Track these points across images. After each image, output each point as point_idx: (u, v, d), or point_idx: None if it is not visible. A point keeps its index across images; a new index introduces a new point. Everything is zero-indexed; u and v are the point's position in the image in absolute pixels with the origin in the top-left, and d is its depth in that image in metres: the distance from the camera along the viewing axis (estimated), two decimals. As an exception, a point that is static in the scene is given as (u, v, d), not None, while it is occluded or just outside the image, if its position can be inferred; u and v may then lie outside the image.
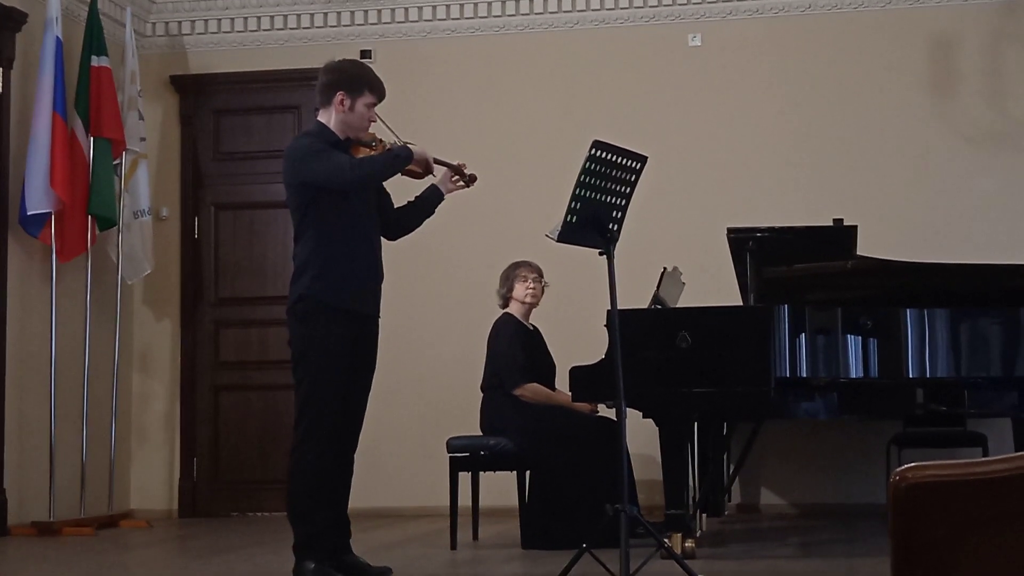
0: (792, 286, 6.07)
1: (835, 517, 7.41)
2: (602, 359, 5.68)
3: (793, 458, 7.82)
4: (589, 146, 4.68)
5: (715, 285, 6.89)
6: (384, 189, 5.33)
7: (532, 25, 8.36)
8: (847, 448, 7.72)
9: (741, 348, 5.51)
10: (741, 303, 6.25)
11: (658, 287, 6.12)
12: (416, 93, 8.22)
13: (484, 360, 6.60)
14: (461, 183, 5.36)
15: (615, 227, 4.81)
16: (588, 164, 4.66)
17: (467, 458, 6.45)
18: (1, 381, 7.27)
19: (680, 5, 8.17)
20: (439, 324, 8.17)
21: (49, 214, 7.37)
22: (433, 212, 5.39)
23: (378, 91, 5.20)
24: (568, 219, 4.67)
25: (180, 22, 8.71)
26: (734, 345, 5.52)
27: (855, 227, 6.14)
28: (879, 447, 7.20)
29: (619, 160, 4.77)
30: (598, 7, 8.26)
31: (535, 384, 6.49)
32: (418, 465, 7.98)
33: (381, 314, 5.28)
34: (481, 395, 6.59)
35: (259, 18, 8.61)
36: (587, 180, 4.67)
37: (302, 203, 5.10)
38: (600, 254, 4.79)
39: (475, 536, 6.62)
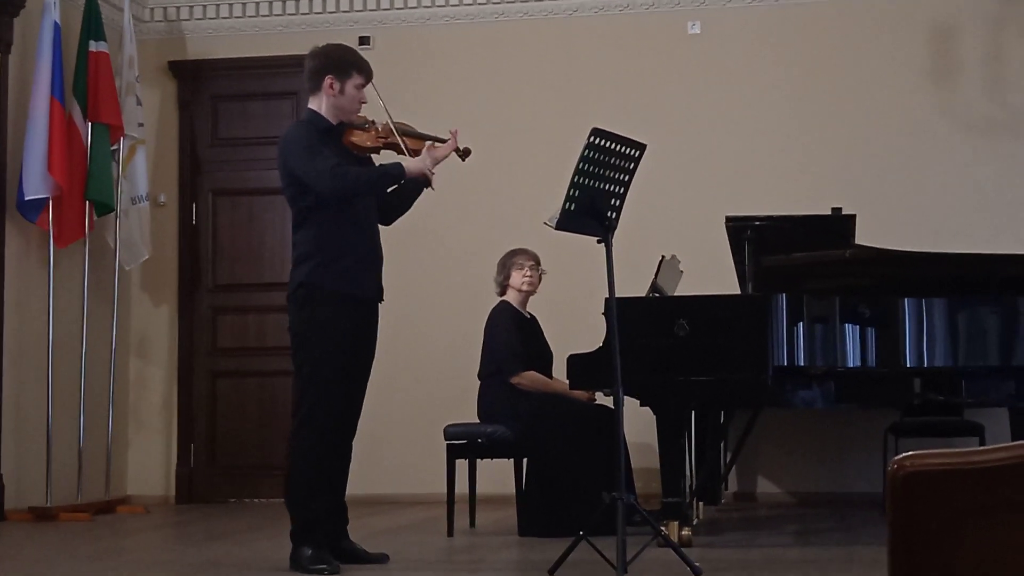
0: (790, 275, 6.07)
1: (832, 506, 7.42)
2: (600, 347, 5.68)
3: (790, 447, 7.82)
4: (588, 134, 4.67)
5: (713, 273, 6.89)
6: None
7: (531, 12, 8.34)
8: (844, 437, 7.72)
9: (739, 336, 5.51)
10: (739, 291, 6.25)
11: (656, 275, 6.12)
12: (415, 80, 8.20)
13: (481, 348, 6.60)
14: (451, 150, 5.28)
15: (614, 215, 4.81)
16: (587, 152, 4.66)
17: (464, 445, 6.45)
18: (-2, 366, 7.28)
19: (680, -7, 8.16)
20: (437, 311, 8.17)
21: (47, 199, 7.37)
22: (420, 191, 5.35)
23: (366, 72, 5.20)
24: (567, 207, 4.67)
25: (178, 7, 8.69)
26: (732, 333, 5.51)
27: (853, 216, 6.14)
28: (876, 436, 7.20)
29: (618, 148, 4.77)
30: (597, -6, 8.25)
31: (532, 372, 6.49)
32: (415, 452, 7.99)
33: (382, 300, 5.29)
34: (478, 383, 6.59)
35: (257, 4, 8.60)
36: (586, 168, 4.67)
37: (297, 191, 5.10)
38: (598, 242, 4.79)
39: (472, 523, 6.63)
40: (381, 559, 5.26)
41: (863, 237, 6.19)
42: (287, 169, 5.11)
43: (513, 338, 6.50)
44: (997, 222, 7.64)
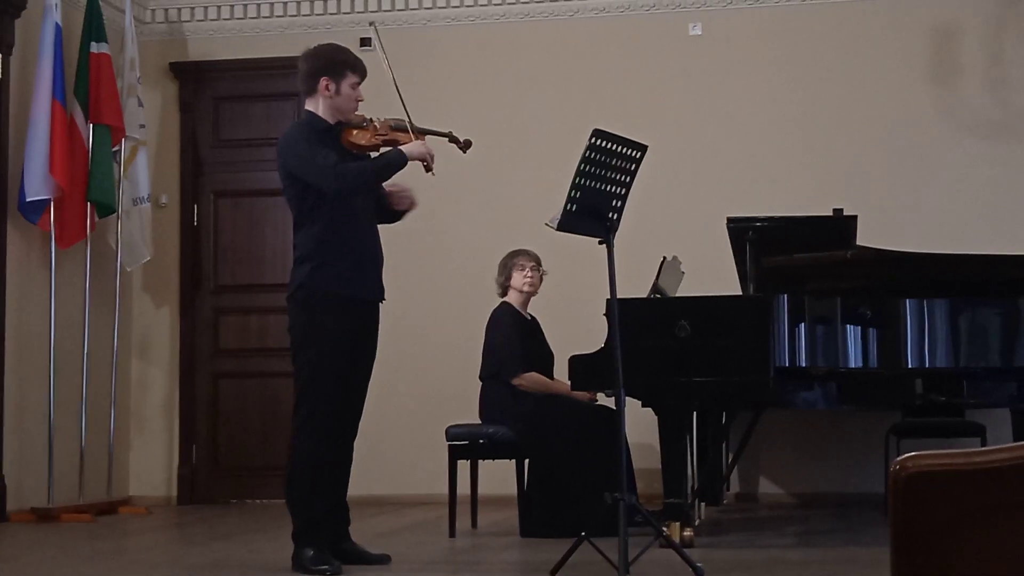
0: (791, 276, 6.07)
1: (834, 506, 7.42)
2: (601, 348, 5.68)
3: (792, 447, 7.82)
4: (589, 135, 4.67)
5: (715, 274, 6.88)
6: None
7: (533, 13, 8.35)
8: (846, 438, 7.72)
9: (740, 337, 5.50)
10: (740, 292, 6.25)
11: (658, 276, 6.12)
12: (415, 81, 8.18)
13: (482, 349, 6.61)
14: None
15: (615, 216, 4.81)
16: (588, 153, 4.66)
17: (466, 446, 6.45)
18: (0, 368, 7.27)
19: (681, -6, 8.17)
20: (438, 312, 8.17)
21: (48, 201, 7.37)
22: (408, 211, 5.39)
23: (360, 70, 5.21)
24: (568, 208, 4.67)
25: (180, 9, 8.69)
26: (733, 334, 5.51)
27: (855, 217, 6.13)
28: (878, 437, 7.20)
29: (619, 149, 4.77)
30: (599, -5, 8.25)
31: (534, 373, 6.50)
32: (417, 453, 7.99)
33: (383, 300, 5.29)
34: (479, 384, 6.59)
35: (259, 5, 8.60)
36: (587, 169, 4.67)
37: (297, 192, 5.11)
38: (600, 243, 4.79)
39: (474, 524, 6.63)
40: (383, 560, 5.26)
41: (864, 238, 6.19)
42: (287, 170, 5.12)
43: (514, 339, 6.50)
44: (998, 223, 7.64)
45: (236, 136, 8.67)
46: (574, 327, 6.99)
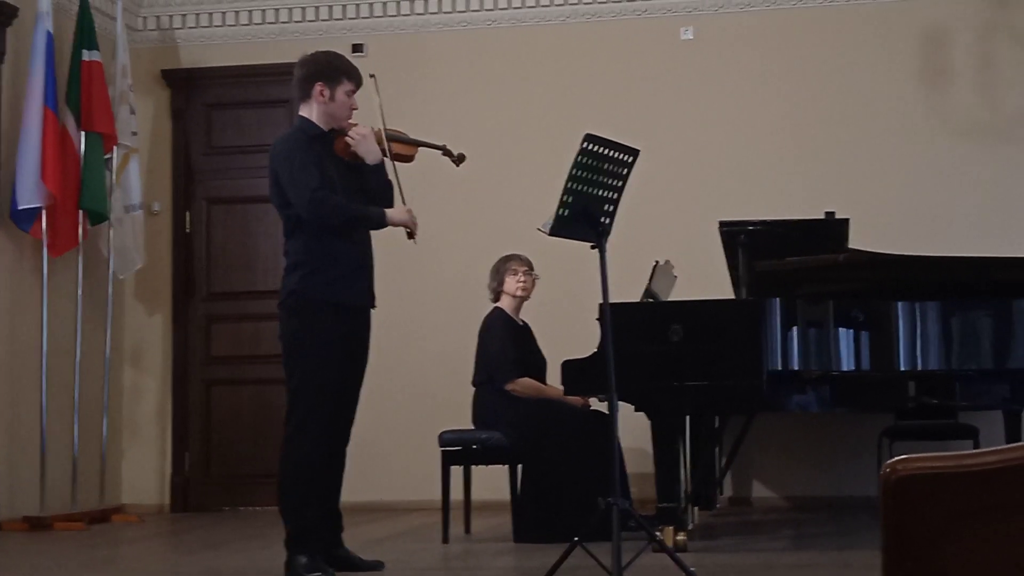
0: (784, 279, 6.07)
1: (827, 510, 7.42)
2: (594, 352, 5.68)
3: (785, 451, 7.83)
4: (581, 139, 4.67)
5: (707, 278, 6.89)
6: (373, 172, 5.25)
7: (524, 19, 8.35)
8: (839, 441, 7.72)
9: (733, 341, 5.51)
10: (733, 296, 6.25)
11: (650, 280, 6.13)
12: (408, 87, 8.21)
13: (475, 355, 6.60)
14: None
15: (607, 220, 4.81)
16: (580, 157, 4.66)
17: (459, 452, 6.44)
18: (-8, 376, 7.27)
19: (672, -2, 8.18)
20: (431, 317, 8.17)
21: (40, 208, 7.36)
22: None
23: (355, 78, 5.21)
24: (560, 212, 4.67)
25: (171, 16, 8.69)
26: (726, 338, 5.52)
27: (847, 220, 6.15)
28: (871, 440, 7.20)
29: (611, 153, 4.77)
30: (590, 1, 8.25)
31: (527, 379, 6.49)
32: (410, 459, 7.98)
33: (374, 306, 5.29)
34: (472, 390, 6.59)
35: (251, 12, 8.60)
36: (579, 173, 4.67)
37: (288, 200, 5.10)
38: (592, 247, 4.79)
39: (467, 530, 6.63)
40: (376, 566, 5.26)
41: (856, 241, 6.20)
42: (277, 179, 5.12)
43: (506, 345, 6.50)
44: (989, 225, 7.65)
45: (228, 143, 8.67)
46: (567, 332, 6.99)
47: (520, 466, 6.45)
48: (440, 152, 5.42)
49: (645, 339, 5.54)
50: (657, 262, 6.31)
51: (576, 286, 7.27)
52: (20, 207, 7.30)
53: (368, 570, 5.22)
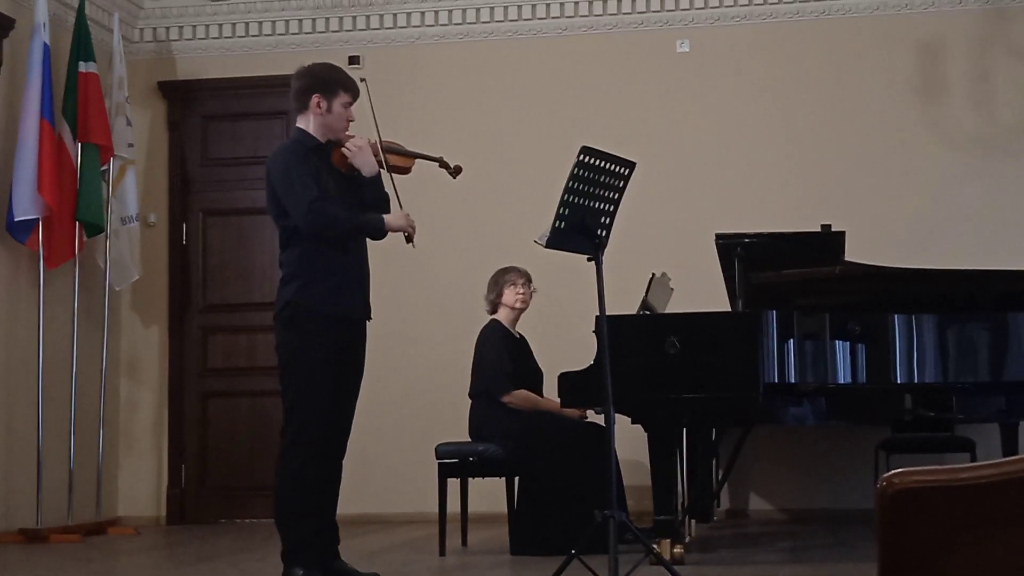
0: (780, 292, 6.08)
1: (823, 522, 7.41)
2: (591, 365, 5.68)
3: (782, 463, 7.82)
4: (578, 152, 4.68)
5: (703, 291, 6.89)
6: (370, 184, 5.25)
7: (521, 31, 8.36)
8: (835, 453, 7.72)
9: (729, 353, 5.51)
10: (729, 308, 6.26)
11: (646, 293, 6.13)
12: (404, 99, 8.22)
13: (472, 367, 6.60)
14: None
15: (604, 233, 4.81)
16: (577, 170, 4.66)
17: (456, 464, 6.43)
18: (-12, 388, 7.26)
19: (668, 11, 8.19)
20: (427, 329, 8.17)
21: (36, 220, 7.36)
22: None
23: (352, 90, 5.20)
24: (557, 225, 4.68)
25: (168, 28, 8.70)
26: (722, 350, 5.52)
27: (843, 233, 6.15)
28: (867, 452, 7.21)
29: (608, 166, 4.77)
30: (587, 13, 8.27)
31: (523, 391, 6.49)
32: (407, 471, 7.98)
33: (370, 318, 5.28)
34: (469, 402, 6.59)
35: (247, 24, 8.61)
36: (576, 186, 4.68)
37: (284, 211, 5.10)
38: (589, 260, 4.79)
39: (464, 542, 6.62)
40: (372, 579, 5.24)
41: (853, 254, 6.20)
42: (273, 190, 5.11)
43: (503, 357, 6.50)
44: (986, 238, 7.66)
45: (225, 155, 8.67)
46: (563, 344, 6.99)
47: (517, 478, 6.44)
48: (437, 164, 5.42)
49: (642, 351, 5.53)
50: (653, 274, 6.31)
51: (573, 298, 7.29)
52: (16, 219, 7.30)
53: (364, 583, 5.21)
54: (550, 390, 6.31)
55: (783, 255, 6.05)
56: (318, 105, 5.15)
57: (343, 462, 5.29)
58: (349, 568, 5.25)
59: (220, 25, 8.64)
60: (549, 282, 7.05)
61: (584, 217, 4.72)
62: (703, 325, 5.63)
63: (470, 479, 6.61)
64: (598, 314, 4.86)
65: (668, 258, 7.35)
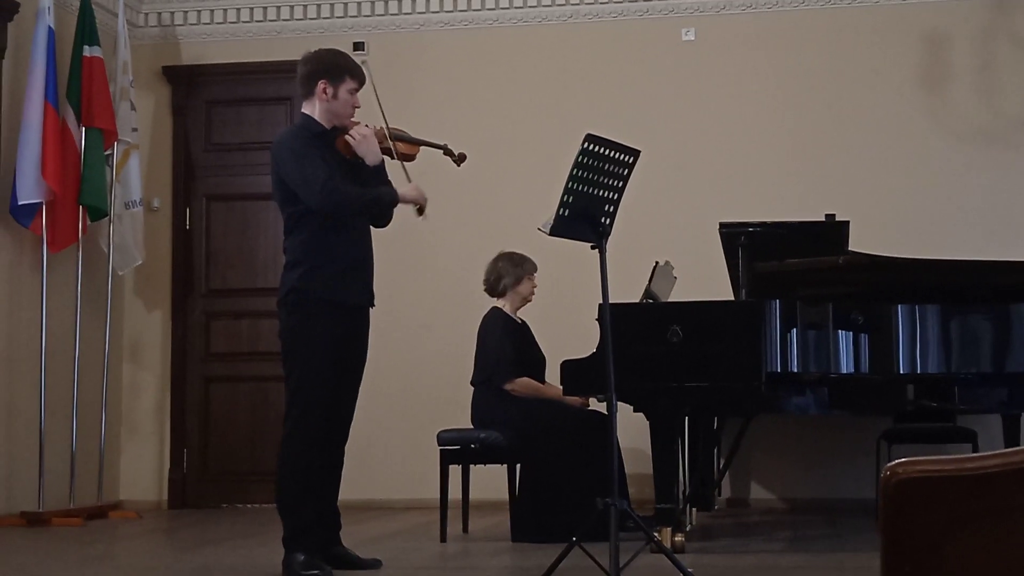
0: (784, 281, 6.07)
1: (824, 512, 7.42)
2: (593, 353, 5.68)
3: (783, 453, 7.83)
4: (582, 140, 4.67)
5: (707, 280, 6.89)
6: (373, 173, 5.25)
7: (526, 19, 8.35)
8: (837, 443, 7.72)
9: (732, 343, 5.51)
10: (733, 298, 6.26)
11: (650, 281, 6.13)
12: (409, 86, 8.21)
13: (474, 353, 6.60)
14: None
15: (607, 221, 4.81)
16: (581, 158, 4.66)
17: (457, 451, 6.44)
18: (-9, 371, 7.27)
19: (674, 0, 8.17)
20: (430, 316, 8.17)
21: (40, 204, 7.36)
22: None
23: (358, 76, 5.20)
24: (560, 212, 4.67)
25: (173, 12, 8.69)
26: (725, 340, 5.52)
27: (847, 223, 6.14)
28: (869, 442, 7.20)
29: (612, 154, 4.77)
30: (592, 1, 8.25)
31: (526, 378, 6.49)
32: (408, 458, 7.98)
33: (373, 305, 5.29)
34: (471, 389, 6.59)
35: (252, 9, 8.60)
36: (580, 174, 4.67)
37: (289, 197, 5.10)
38: (592, 248, 4.79)
39: (465, 529, 6.63)
40: (374, 564, 5.26)
41: (856, 244, 6.20)
42: (279, 175, 5.11)
43: (505, 344, 6.50)
44: (989, 229, 7.66)
45: (228, 140, 8.66)
46: (566, 332, 6.99)
47: (518, 466, 6.45)
48: (441, 151, 5.41)
49: (644, 340, 5.54)
50: (657, 263, 6.31)
51: (576, 286, 7.28)
52: (20, 202, 7.30)
53: (366, 568, 5.22)
54: (552, 377, 6.31)
55: (787, 245, 6.05)
56: (324, 91, 5.15)
57: (345, 448, 5.30)
58: (351, 554, 5.27)
59: (225, 10, 8.63)
60: (553, 270, 7.05)
61: (588, 205, 4.72)
62: (706, 314, 5.63)
63: (471, 466, 6.61)
64: (601, 302, 4.86)
65: (672, 247, 7.34)
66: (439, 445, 6.47)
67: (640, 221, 7.40)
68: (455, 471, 6.50)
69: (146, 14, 8.71)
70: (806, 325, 5.55)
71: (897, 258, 6.04)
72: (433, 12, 8.43)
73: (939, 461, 1.78)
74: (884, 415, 7.01)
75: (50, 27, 7.38)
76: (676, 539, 5.52)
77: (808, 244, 6.07)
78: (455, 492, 6.47)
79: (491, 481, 6.88)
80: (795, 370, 5.52)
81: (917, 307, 5.61)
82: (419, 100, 8.16)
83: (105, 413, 8.01)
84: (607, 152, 4.75)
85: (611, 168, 4.77)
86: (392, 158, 5.27)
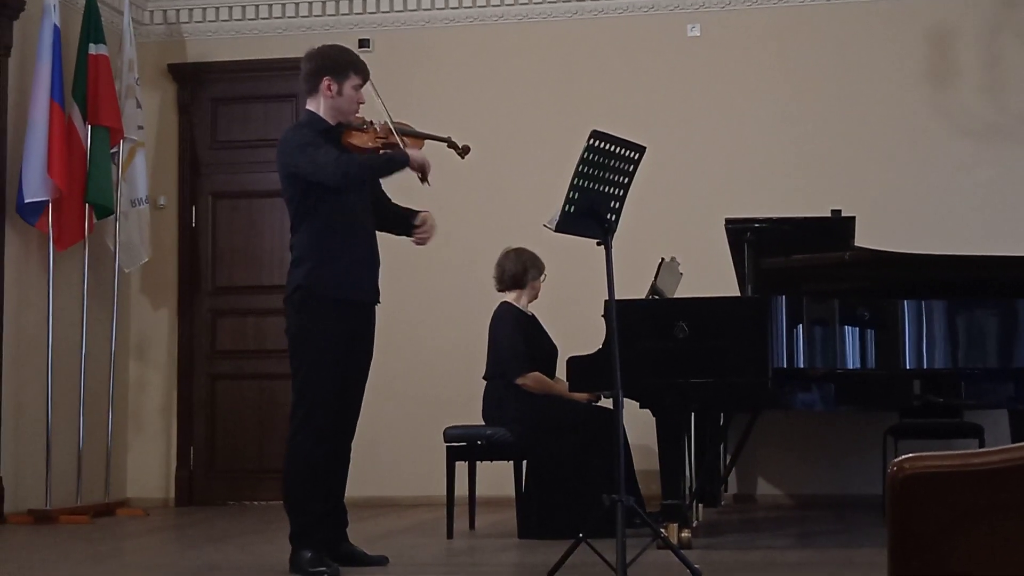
0: (790, 277, 6.07)
1: (831, 508, 7.42)
2: (599, 349, 5.68)
3: (790, 449, 7.82)
4: (588, 136, 4.67)
5: (713, 275, 6.89)
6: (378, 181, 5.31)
7: (531, 15, 8.35)
8: (844, 439, 7.72)
9: (738, 338, 5.50)
10: (739, 293, 6.25)
11: (656, 277, 6.12)
12: (414, 83, 8.21)
13: (481, 349, 6.60)
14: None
15: (613, 217, 4.81)
16: (587, 154, 4.65)
17: (464, 448, 6.44)
18: (-2, 369, 7.28)
19: (679, -5, 8.17)
20: (436, 314, 8.17)
21: (46, 202, 7.37)
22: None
23: (363, 72, 5.20)
24: (566, 209, 4.67)
25: (178, 10, 8.69)
26: (731, 335, 5.51)
27: (853, 218, 6.13)
28: (876, 438, 7.20)
29: (617, 150, 4.76)
30: (597, -3, 8.25)
31: (537, 373, 6.49)
32: (415, 454, 7.99)
33: (379, 302, 5.29)
34: (482, 384, 6.58)
35: (257, 6, 8.60)
36: (585, 170, 4.67)
37: (296, 193, 5.10)
38: (598, 244, 4.78)
39: (472, 526, 6.63)
40: (380, 561, 5.26)
41: (862, 239, 6.19)
42: (287, 171, 5.11)
43: (517, 339, 6.49)
44: (996, 224, 7.65)
45: (234, 137, 8.67)
46: (572, 328, 6.99)
47: (525, 462, 6.45)
48: (445, 144, 5.41)
49: (650, 336, 5.53)
50: (663, 259, 6.31)
51: (581, 282, 7.28)
52: (26, 200, 7.31)
53: (372, 565, 5.22)
54: (561, 373, 6.31)
55: (793, 240, 6.04)
56: (328, 87, 5.15)
57: (352, 445, 5.30)
58: (357, 551, 5.27)
59: (230, 7, 8.63)
60: (559, 266, 7.05)
61: (594, 201, 4.71)
62: (712, 310, 5.63)
63: (478, 463, 6.62)
64: (607, 298, 4.86)
65: (677, 243, 7.34)
66: (445, 442, 6.47)
67: (646, 217, 7.40)
68: (462, 468, 6.50)
69: (151, 12, 8.71)
70: (812, 321, 5.54)
71: (903, 253, 6.03)
72: (439, 9, 8.42)
73: (946, 456, 1.78)
74: (890, 411, 7.00)
75: (55, 25, 7.39)
76: (683, 535, 5.52)
77: (814, 239, 6.06)
78: (462, 489, 6.47)
79: (498, 478, 6.89)
80: (801, 366, 5.51)
81: (923, 302, 5.60)
82: (424, 96, 8.15)
83: (112, 411, 8.02)
84: (613, 148, 4.75)
85: (617, 164, 4.77)
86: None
